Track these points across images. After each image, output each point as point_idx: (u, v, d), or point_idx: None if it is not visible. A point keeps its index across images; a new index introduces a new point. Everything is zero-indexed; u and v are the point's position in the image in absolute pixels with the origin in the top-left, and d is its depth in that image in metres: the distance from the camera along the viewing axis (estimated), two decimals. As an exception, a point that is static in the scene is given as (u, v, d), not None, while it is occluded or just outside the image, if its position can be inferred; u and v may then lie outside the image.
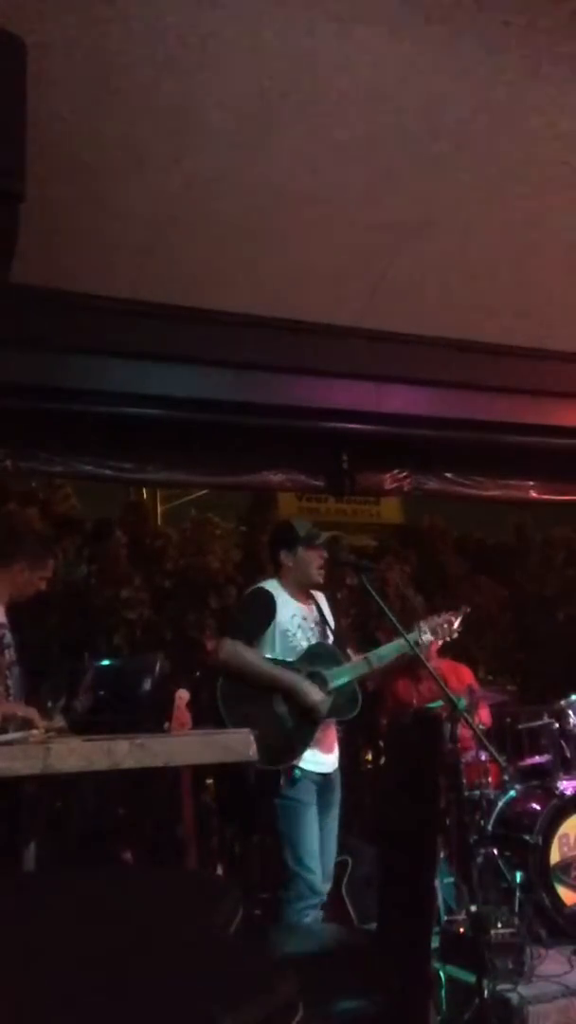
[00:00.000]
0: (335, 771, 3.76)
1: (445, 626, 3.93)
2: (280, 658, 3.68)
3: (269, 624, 3.70)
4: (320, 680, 3.66)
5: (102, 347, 4.33)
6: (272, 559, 3.95)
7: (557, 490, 5.84)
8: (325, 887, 3.62)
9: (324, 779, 3.68)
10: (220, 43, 3.23)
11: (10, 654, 3.64)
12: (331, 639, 3.83)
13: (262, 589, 3.81)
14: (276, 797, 3.54)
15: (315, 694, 3.61)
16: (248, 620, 3.75)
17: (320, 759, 3.66)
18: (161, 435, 4.81)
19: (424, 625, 3.91)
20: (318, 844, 3.56)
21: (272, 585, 3.82)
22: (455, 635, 3.97)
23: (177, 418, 4.68)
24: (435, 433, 5.14)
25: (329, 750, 3.72)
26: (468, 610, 4.08)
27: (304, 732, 3.61)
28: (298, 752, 3.58)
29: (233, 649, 3.62)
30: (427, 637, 3.88)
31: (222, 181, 3.81)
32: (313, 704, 3.59)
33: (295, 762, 3.57)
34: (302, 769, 3.58)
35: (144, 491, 9.01)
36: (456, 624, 3.95)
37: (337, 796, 3.75)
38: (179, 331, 4.40)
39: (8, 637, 3.67)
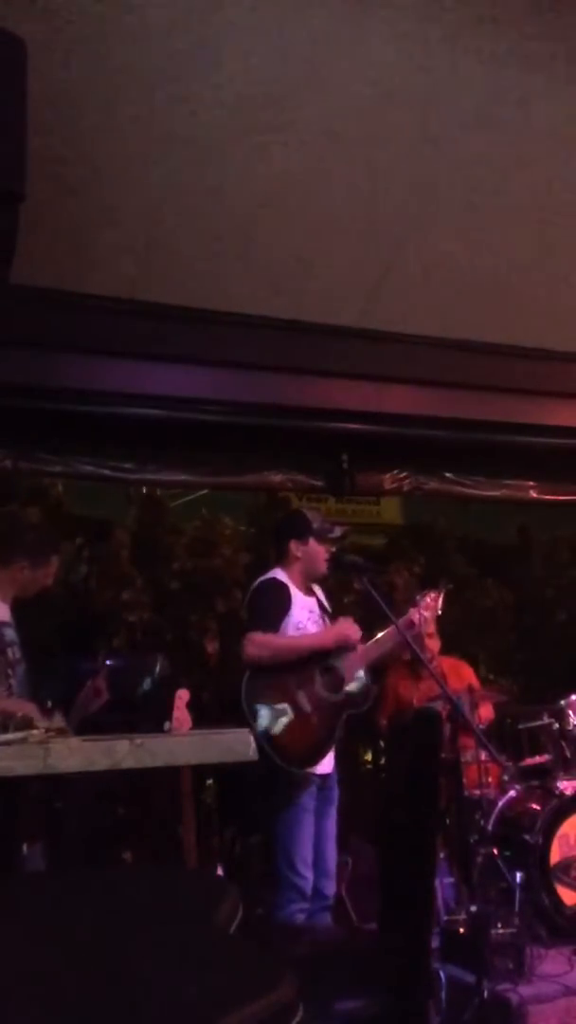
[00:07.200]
0: (332, 772, 3.74)
1: (429, 601, 3.96)
2: None
3: (285, 616, 3.65)
4: (334, 673, 3.64)
5: (102, 347, 4.32)
6: (278, 548, 3.89)
7: (557, 490, 5.83)
8: (329, 887, 3.60)
9: (323, 780, 3.66)
10: (219, 44, 3.23)
11: (13, 652, 3.62)
12: None
13: (276, 580, 3.74)
14: (276, 801, 3.52)
15: (350, 628, 3.65)
16: (267, 611, 3.67)
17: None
18: (161, 435, 4.80)
19: (413, 608, 3.91)
20: (312, 850, 3.53)
21: (282, 576, 3.76)
22: (439, 612, 4.05)
23: (177, 418, 4.67)
24: (435, 433, 5.13)
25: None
26: (451, 586, 4.11)
27: (329, 730, 3.58)
28: (322, 756, 3.56)
29: (262, 639, 3.57)
30: (419, 615, 3.88)
31: (221, 182, 3.81)
32: (353, 639, 3.63)
33: (319, 766, 3.55)
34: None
35: (145, 490, 8.97)
36: (440, 601, 3.99)
37: (335, 796, 3.74)
38: (179, 331, 4.39)
39: (12, 635, 3.65)
